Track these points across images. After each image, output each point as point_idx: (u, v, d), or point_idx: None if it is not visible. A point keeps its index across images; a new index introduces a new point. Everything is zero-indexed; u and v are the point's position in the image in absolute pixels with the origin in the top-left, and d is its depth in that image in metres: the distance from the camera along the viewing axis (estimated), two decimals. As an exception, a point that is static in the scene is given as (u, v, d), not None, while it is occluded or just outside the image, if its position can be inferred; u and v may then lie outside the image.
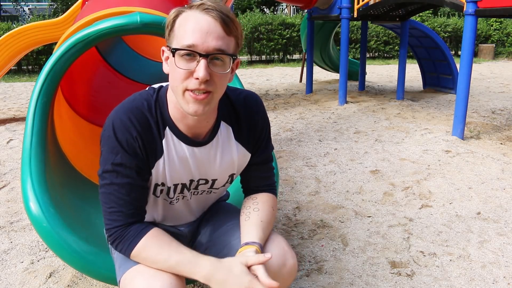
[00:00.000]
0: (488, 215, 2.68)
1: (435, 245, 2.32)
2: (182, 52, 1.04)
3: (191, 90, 1.06)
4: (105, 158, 1.14)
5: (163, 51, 1.14)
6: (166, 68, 1.13)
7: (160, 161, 1.18)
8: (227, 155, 1.26)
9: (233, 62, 1.10)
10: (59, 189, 1.72)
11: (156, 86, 1.23)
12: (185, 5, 1.09)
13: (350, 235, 2.44)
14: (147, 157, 1.16)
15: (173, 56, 1.06)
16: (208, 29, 1.04)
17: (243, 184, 1.39)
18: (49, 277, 2.02)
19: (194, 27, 1.04)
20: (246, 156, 1.30)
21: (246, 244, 1.18)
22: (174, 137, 1.18)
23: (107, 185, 1.14)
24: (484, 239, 2.38)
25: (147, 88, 1.23)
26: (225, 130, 1.25)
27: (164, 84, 1.23)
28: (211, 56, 1.05)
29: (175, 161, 1.20)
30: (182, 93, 1.07)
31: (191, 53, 1.04)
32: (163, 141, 1.18)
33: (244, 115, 1.27)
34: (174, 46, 1.06)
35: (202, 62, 1.04)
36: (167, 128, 1.18)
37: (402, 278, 2.03)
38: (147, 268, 1.13)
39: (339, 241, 2.37)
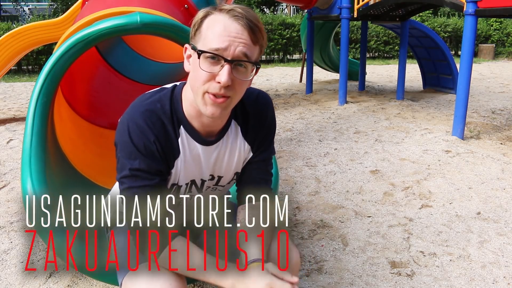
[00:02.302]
0: (488, 215, 2.68)
1: (435, 245, 2.32)
2: (207, 54, 1.05)
3: (211, 93, 1.07)
4: (123, 164, 1.13)
5: (186, 48, 1.14)
6: (187, 67, 1.14)
7: (178, 160, 1.20)
8: (235, 153, 1.28)
9: (255, 70, 1.11)
10: (59, 189, 1.72)
11: (169, 86, 1.23)
12: (215, 6, 1.09)
13: (350, 235, 2.44)
14: (166, 158, 1.17)
15: (198, 57, 1.06)
16: (236, 35, 1.04)
17: (239, 187, 1.36)
18: (49, 277, 2.02)
19: (222, 32, 1.04)
20: (249, 154, 1.31)
21: (253, 261, 1.16)
22: (188, 136, 1.20)
23: (127, 189, 1.14)
24: (484, 239, 2.38)
25: (159, 88, 1.22)
26: (234, 128, 1.27)
27: (178, 83, 1.24)
28: (235, 62, 1.06)
29: (189, 159, 1.21)
30: (202, 94, 1.08)
31: (216, 57, 1.05)
32: (179, 139, 1.19)
33: (253, 113, 1.28)
34: (200, 47, 1.07)
35: (226, 67, 1.04)
36: (181, 126, 1.18)
37: (402, 278, 2.03)
38: (146, 270, 1.13)
39: (339, 241, 2.37)
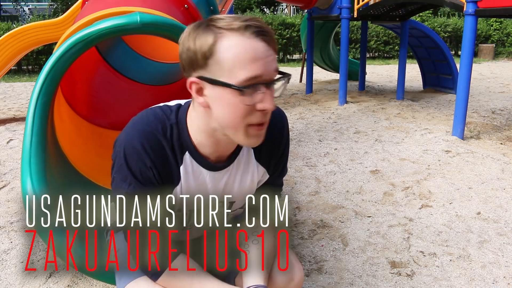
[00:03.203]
0: (488, 215, 2.68)
1: (435, 245, 2.32)
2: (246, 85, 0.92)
3: (254, 124, 0.97)
4: (118, 186, 1.07)
5: (193, 82, 0.97)
6: (202, 102, 0.99)
7: (178, 188, 1.13)
8: (247, 177, 1.20)
9: (287, 80, 0.98)
10: (59, 189, 1.72)
11: (172, 104, 1.13)
12: (218, 25, 0.93)
13: (350, 235, 2.44)
14: (164, 184, 1.10)
15: (230, 91, 0.93)
16: (267, 54, 0.93)
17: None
18: (49, 277, 2.02)
19: (253, 56, 0.91)
20: (265, 176, 1.23)
21: None
22: (194, 162, 1.11)
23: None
24: (484, 239, 2.38)
25: (161, 106, 1.13)
26: (246, 151, 1.18)
27: (181, 102, 1.14)
28: (271, 82, 0.96)
29: (192, 186, 1.14)
30: (245, 129, 0.98)
31: (256, 85, 0.93)
32: (181, 167, 1.10)
33: (267, 133, 1.14)
34: (227, 79, 0.92)
35: (268, 92, 0.94)
36: (186, 153, 1.10)
37: (402, 278, 2.03)
38: (147, 282, 1.12)
39: (339, 241, 2.37)
